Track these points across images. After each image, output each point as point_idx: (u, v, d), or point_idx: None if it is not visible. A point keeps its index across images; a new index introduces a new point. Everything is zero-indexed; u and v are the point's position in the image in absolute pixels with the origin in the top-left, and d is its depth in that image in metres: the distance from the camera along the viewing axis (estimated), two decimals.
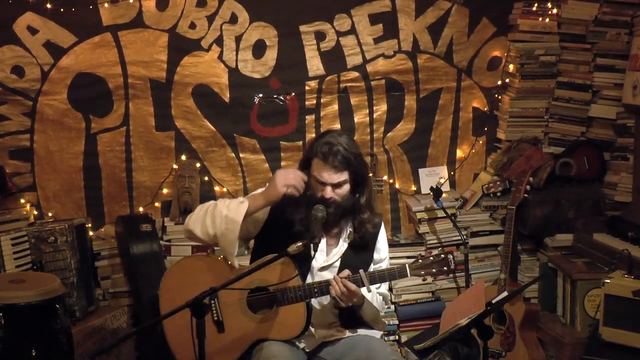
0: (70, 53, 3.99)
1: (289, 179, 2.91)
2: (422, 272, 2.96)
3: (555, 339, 3.78)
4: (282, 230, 2.95)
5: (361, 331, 3.03)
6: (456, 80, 4.38)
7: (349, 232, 3.02)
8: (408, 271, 2.94)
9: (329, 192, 2.90)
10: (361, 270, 2.95)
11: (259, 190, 3.00)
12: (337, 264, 3.01)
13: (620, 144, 4.27)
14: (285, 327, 2.91)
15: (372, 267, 3.09)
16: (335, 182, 2.90)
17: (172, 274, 3.01)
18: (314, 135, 4.26)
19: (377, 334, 3.07)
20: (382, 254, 3.15)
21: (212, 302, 2.93)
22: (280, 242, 2.80)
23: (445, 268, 2.96)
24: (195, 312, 2.45)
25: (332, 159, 2.87)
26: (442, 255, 2.97)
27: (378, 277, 2.94)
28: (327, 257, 3.01)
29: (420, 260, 2.97)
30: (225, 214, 2.86)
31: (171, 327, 2.94)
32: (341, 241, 3.03)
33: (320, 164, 2.89)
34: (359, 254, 3.04)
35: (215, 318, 2.92)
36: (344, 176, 2.91)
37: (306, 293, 2.89)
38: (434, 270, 2.96)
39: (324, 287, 2.90)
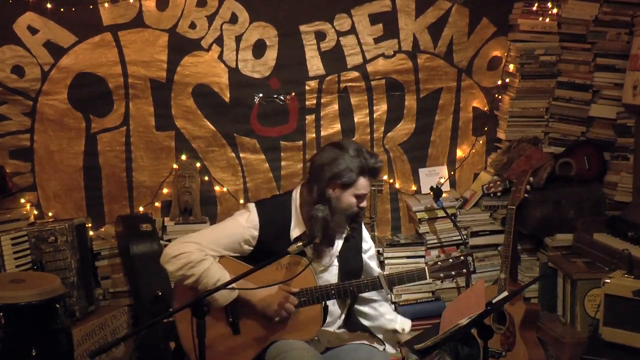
0: (70, 53, 3.99)
1: (272, 306, 2.86)
2: (441, 275, 2.97)
3: (555, 339, 3.78)
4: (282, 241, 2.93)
5: (366, 342, 3.03)
6: (456, 80, 4.38)
7: (347, 230, 3.02)
8: (427, 273, 2.95)
9: (365, 202, 2.96)
10: (380, 273, 3.00)
11: (256, 291, 2.85)
12: (336, 262, 3.02)
13: (620, 144, 4.28)
14: (300, 329, 2.91)
15: (364, 256, 3.11)
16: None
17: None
18: (313, 135, 4.27)
19: (379, 346, 3.07)
20: (369, 242, 3.18)
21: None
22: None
23: (464, 270, 2.97)
24: (196, 312, 2.45)
25: (377, 173, 2.94)
26: (462, 258, 2.98)
27: (397, 280, 2.96)
28: (327, 258, 3.00)
29: (439, 263, 2.98)
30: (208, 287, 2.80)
31: (185, 328, 2.93)
32: (337, 240, 3.02)
33: (369, 182, 2.91)
34: (351, 247, 3.05)
35: (230, 319, 2.92)
36: None
37: (323, 295, 2.89)
38: (453, 272, 2.97)
39: (341, 289, 2.91)
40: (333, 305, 3.03)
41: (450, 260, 2.97)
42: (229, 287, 2.66)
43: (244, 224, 2.92)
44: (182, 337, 2.95)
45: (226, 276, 2.83)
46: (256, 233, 2.91)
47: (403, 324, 3.13)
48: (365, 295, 3.10)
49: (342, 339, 3.04)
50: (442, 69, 4.35)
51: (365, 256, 3.13)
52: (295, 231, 2.93)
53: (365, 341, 3.03)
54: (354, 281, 2.95)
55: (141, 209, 4.17)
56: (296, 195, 2.99)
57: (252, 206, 2.97)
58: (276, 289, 2.86)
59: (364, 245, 3.14)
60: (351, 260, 3.03)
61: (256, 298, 2.86)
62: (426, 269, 2.96)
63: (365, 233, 3.18)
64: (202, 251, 2.85)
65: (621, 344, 3.05)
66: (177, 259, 2.84)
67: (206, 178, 4.22)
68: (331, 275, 3.01)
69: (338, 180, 2.86)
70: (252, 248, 2.94)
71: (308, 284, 2.89)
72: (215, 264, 2.85)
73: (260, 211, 2.93)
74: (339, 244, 3.02)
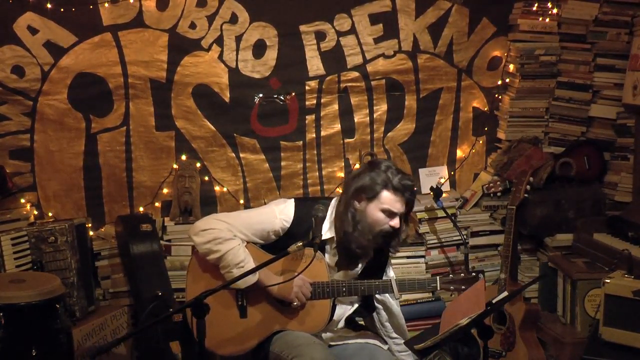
0: (70, 53, 3.99)
1: (289, 291, 2.91)
2: (452, 287, 3.05)
3: (555, 339, 3.78)
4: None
5: (370, 340, 3.06)
6: (456, 80, 4.38)
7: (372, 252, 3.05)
8: (438, 284, 3.03)
9: (398, 221, 2.96)
10: (392, 277, 3.03)
11: (275, 278, 2.93)
12: (360, 269, 3.08)
13: (620, 144, 4.28)
14: (307, 321, 2.95)
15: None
16: (403, 212, 2.97)
17: (198, 261, 3.02)
18: (313, 135, 4.27)
19: (383, 345, 3.09)
20: (390, 274, 3.20)
21: None
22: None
23: None
24: (196, 312, 2.45)
25: (404, 190, 2.93)
26: (474, 274, 3.05)
27: (408, 286, 3.02)
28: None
29: (451, 275, 3.06)
30: (233, 271, 2.86)
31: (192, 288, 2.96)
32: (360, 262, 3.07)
33: (394, 197, 2.92)
34: (372, 275, 3.08)
35: (239, 303, 2.95)
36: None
37: (334, 290, 2.94)
38: (463, 287, 3.04)
39: (352, 287, 2.94)
40: (339, 309, 3.06)
41: (462, 275, 3.05)
42: (231, 287, 2.67)
43: (278, 215, 2.98)
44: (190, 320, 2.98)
45: (249, 260, 2.88)
46: (287, 226, 2.97)
47: None
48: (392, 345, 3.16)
49: (345, 336, 3.06)
50: (442, 69, 4.35)
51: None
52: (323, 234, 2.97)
53: (369, 339, 3.04)
54: (366, 281, 2.98)
55: (141, 209, 4.17)
56: (335, 203, 3.05)
57: (290, 200, 3.03)
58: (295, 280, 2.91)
59: (384, 277, 3.15)
60: (375, 269, 3.07)
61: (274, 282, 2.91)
62: (438, 280, 3.03)
63: (389, 268, 3.21)
64: (231, 232, 2.91)
65: (621, 344, 3.06)
66: (206, 232, 2.89)
67: (206, 178, 4.22)
68: (346, 298, 3.06)
69: (363, 193, 2.93)
70: (277, 238, 3.00)
71: (321, 278, 2.92)
72: (242, 247, 2.91)
73: (298, 207, 2.99)
74: (360, 267, 3.05)
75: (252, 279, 2.85)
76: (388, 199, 2.92)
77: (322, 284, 2.93)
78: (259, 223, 2.98)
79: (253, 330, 2.95)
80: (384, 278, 3.12)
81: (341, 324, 3.10)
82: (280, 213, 2.98)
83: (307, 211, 2.98)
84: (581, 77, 4.29)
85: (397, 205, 2.93)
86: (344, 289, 2.94)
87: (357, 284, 2.95)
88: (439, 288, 3.03)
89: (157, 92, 4.12)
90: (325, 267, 2.96)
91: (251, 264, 2.87)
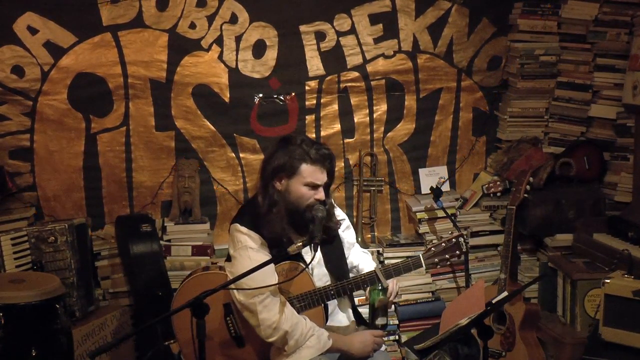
0: (70, 53, 3.99)
1: (370, 347, 2.92)
2: (436, 260, 3.03)
3: (555, 339, 3.78)
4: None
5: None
6: (456, 80, 4.38)
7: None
8: (422, 261, 3.00)
9: (322, 193, 2.91)
10: (376, 267, 3.02)
11: (347, 340, 2.93)
12: (320, 255, 3.02)
13: (620, 144, 4.28)
14: None
15: (342, 234, 3.13)
16: (325, 182, 2.93)
17: (185, 291, 3.00)
18: (313, 135, 4.27)
19: (382, 346, 3.09)
20: (341, 214, 3.18)
21: (229, 318, 2.94)
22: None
23: (457, 252, 3.03)
24: (196, 312, 2.45)
25: (323, 160, 2.89)
26: (454, 240, 3.04)
27: (393, 272, 2.99)
28: (312, 253, 2.96)
29: (432, 249, 3.04)
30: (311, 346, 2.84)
31: (184, 336, 2.94)
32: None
33: (314, 168, 2.88)
34: (328, 237, 3.05)
35: (233, 334, 2.93)
36: None
37: (323, 296, 2.92)
38: (447, 256, 3.03)
39: (340, 288, 2.92)
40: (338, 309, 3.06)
41: (443, 244, 3.02)
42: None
43: (255, 246, 2.89)
44: (181, 346, 2.97)
45: (309, 323, 2.86)
46: (266, 242, 2.91)
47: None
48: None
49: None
50: (442, 69, 4.35)
51: (340, 232, 3.13)
52: None
53: None
54: (352, 279, 2.97)
55: (141, 209, 4.17)
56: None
57: (241, 228, 2.93)
58: (366, 334, 2.93)
59: (340, 230, 3.14)
60: (334, 253, 3.05)
61: (352, 346, 2.90)
62: (421, 257, 3.00)
63: (338, 210, 3.18)
64: (275, 305, 2.81)
65: (621, 344, 3.06)
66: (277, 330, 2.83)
67: (206, 178, 4.22)
68: (321, 268, 3.03)
69: (281, 172, 2.88)
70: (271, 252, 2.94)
71: (307, 288, 2.90)
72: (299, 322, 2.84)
73: (250, 225, 2.92)
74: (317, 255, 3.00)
75: (326, 346, 2.83)
76: (309, 171, 2.87)
77: (310, 293, 2.91)
78: (260, 265, 2.76)
79: (254, 356, 2.94)
80: (355, 245, 3.18)
81: (344, 321, 3.08)
82: (253, 243, 2.89)
83: (256, 219, 2.92)
84: (581, 77, 4.30)
85: (319, 177, 2.89)
86: (333, 293, 2.92)
87: (344, 284, 2.94)
88: (424, 265, 3.01)
89: (157, 92, 4.12)
90: (310, 276, 2.93)
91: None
